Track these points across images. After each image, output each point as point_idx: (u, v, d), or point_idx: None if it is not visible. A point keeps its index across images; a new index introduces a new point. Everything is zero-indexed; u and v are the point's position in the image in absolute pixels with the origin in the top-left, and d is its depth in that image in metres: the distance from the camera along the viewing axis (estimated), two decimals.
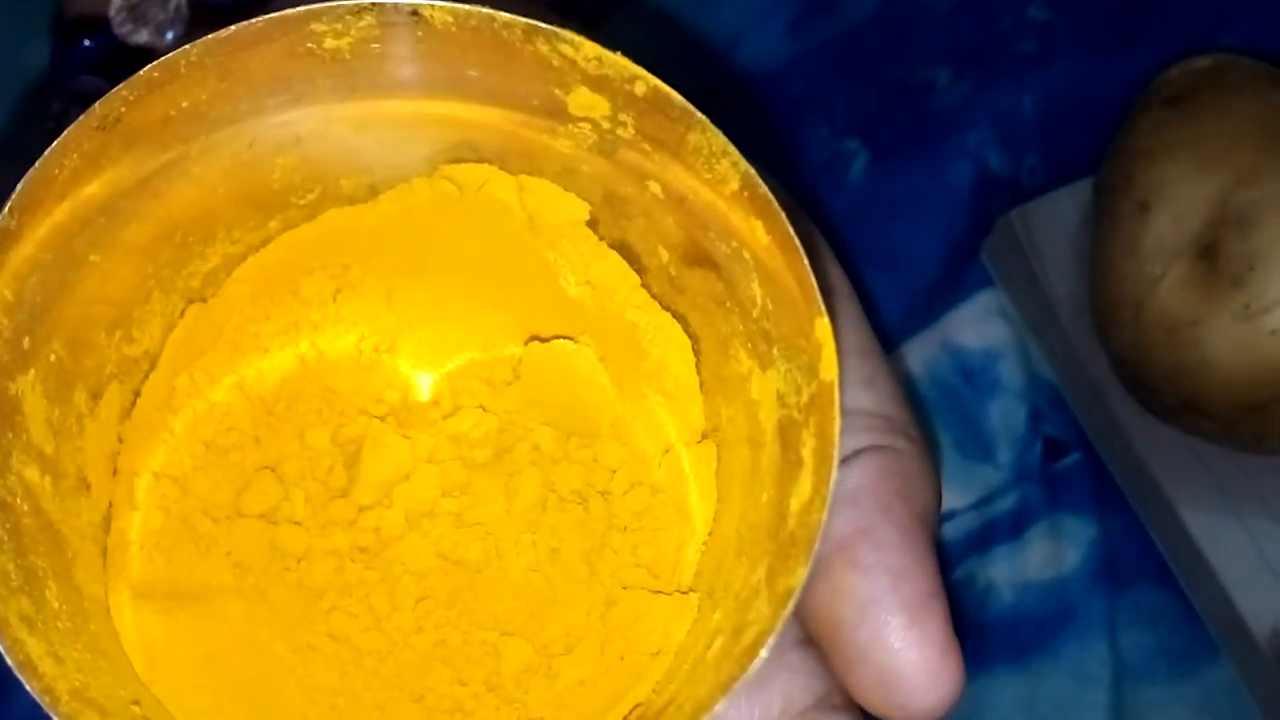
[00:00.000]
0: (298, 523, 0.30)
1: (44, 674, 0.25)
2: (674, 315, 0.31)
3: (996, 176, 0.58)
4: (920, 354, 0.56)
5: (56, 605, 0.26)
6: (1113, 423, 0.53)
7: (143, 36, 0.37)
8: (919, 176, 0.58)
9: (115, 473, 0.30)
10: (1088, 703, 0.52)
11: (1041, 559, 0.54)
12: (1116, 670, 0.52)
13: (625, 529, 0.31)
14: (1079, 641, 0.53)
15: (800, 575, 0.25)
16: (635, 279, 0.31)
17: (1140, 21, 0.60)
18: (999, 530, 0.54)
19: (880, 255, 0.56)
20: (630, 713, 0.29)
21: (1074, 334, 0.54)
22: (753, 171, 0.27)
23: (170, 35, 0.37)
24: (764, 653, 0.25)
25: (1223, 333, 0.47)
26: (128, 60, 0.37)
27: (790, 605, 0.25)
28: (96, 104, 0.26)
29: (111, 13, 0.37)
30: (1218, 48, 0.53)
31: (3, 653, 0.24)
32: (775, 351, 0.28)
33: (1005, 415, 0.56)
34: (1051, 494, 0.55)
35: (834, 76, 0.60)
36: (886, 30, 0.61)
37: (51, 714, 0.24)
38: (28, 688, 0.24)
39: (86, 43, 0.38)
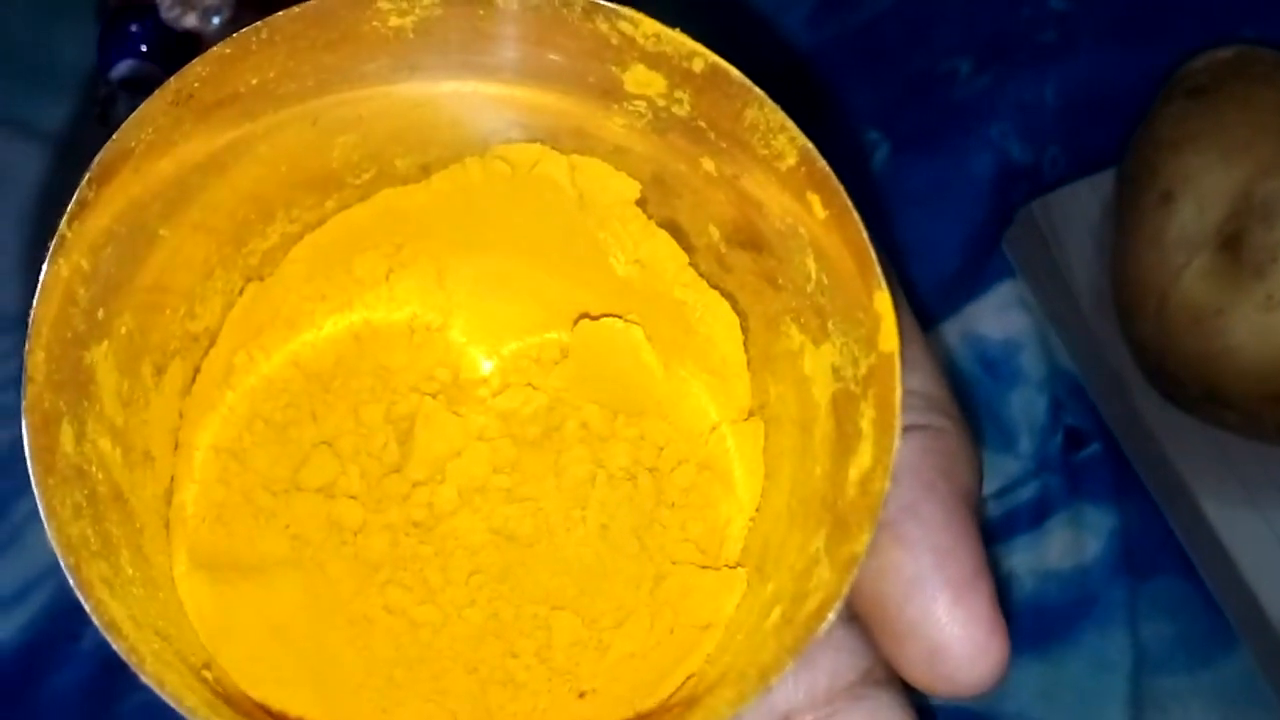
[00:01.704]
0: (354, 497, 0.31)
1: (128, 635, 0.25)
2: (722, 293, 0.31)
3: (1018, 167, 0.59)
4: (942, 344, 0.56)
5: (130, 572, 0.27)
6: (1133, 413, 0.53)
7: (190, 21, 0.37)
8: (940, 167, 0.59)
9: (176, 447, 0.30)
10: (1107, 691, 0.53)
11: (1062, 549, 0.54)
12: (1136, 659, 0.53)
13: (673, 505, 0.31)
14: (1099, 631, 0.53)
15: (864, 541, 0.25)
16: (684, 258, 0.31)
17: (1161, 13, 0.60)
18: (1020, 520, 0.54)
19: (902, 246, 0.57)
20: (683, 684, 0.29)
21: (1095, 324, 0.54)
22: (811, 146, 0.28)
23: (217, 20, 0.37)
24: (831, 616, 0.25)
25: (1246, 323, 0.47)
26: (174, 45, 0.38)
27: (855, 571, 0.25)
28: (172, 79, 0.27)
29: None
30: (1239, 39, 0.53)
31: (89, 614, 0.24)
32: (830, 325, 0.28)
33: (1026, 405, 0.56)
34: (1072, 484, 0.55)
35: (855, 67, 0.60)
36: (907, 21, 0.61)
37: (138, 673, 0.24)
38: (114, 647, 0.24)
39: (133, 28, 0.38)
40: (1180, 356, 0.49)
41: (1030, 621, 0.53)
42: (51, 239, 0.26)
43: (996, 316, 0.57)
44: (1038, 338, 0.57)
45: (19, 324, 0.26)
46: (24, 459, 0.25)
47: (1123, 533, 0.54)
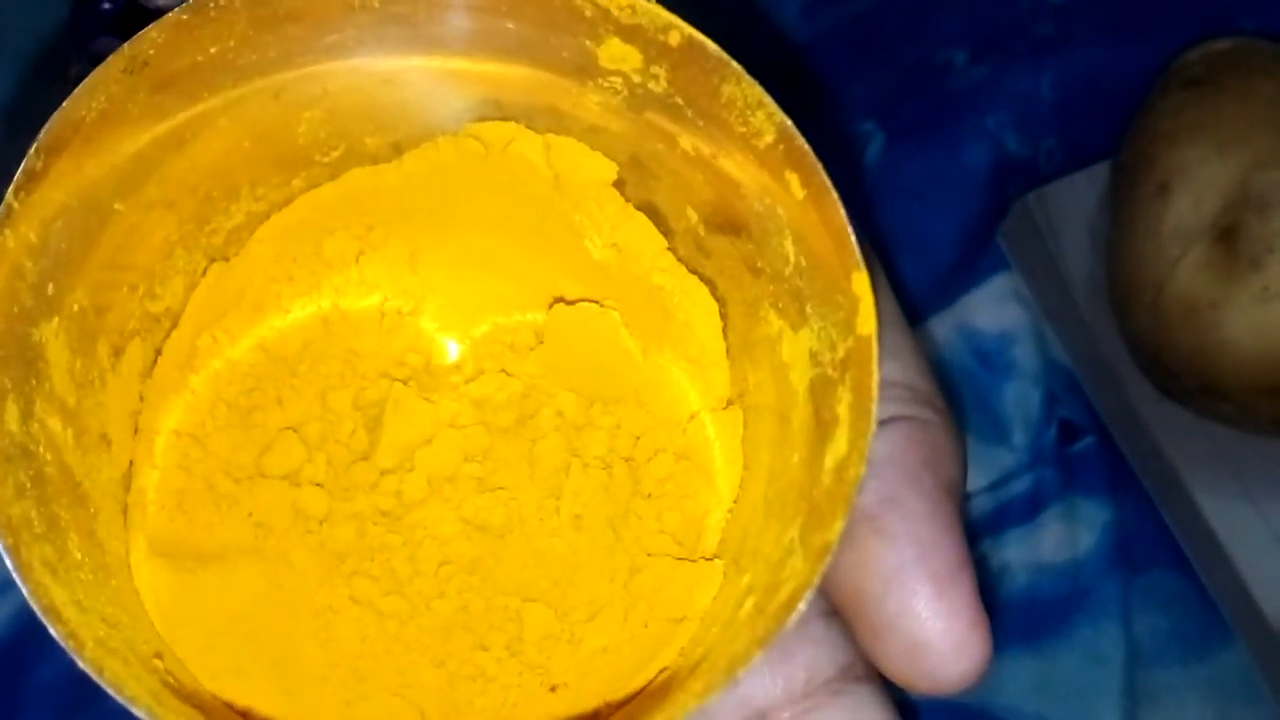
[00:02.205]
0: (320, 485, 0.30)
1: (68, 620, 0.24)
2: (701, 279, 0.31)
3: (1014, 159, 0.58)
4: (936, 336, 0.56)
5: (79, 557, 0.26)
6: (1128, 406, 0.53)
7: None
8: (936, 159, 0.58)
9: (136, 431, 0.29)
10: (1100, 685, 0.52)
11: (1056, 542, 0.54)
12: (1129, 653, 0.52)
13: (649, 495, 0.30)
14: (1092, 624, 0.53)
15: (836, 530, 0.24)
16: (662, 242, 0.31)
17: (1157, 5, 0.60)
18: (1013, 513, 0.54)
19: (896, 238, 0.56)
20: (656, 677, 0.28)
21: (1090, 317, 0.53)
22: (789, 123, 0.27)
23: None
24: (802, 606, 0.24)
25: (1241, 315, 0.47)
26: (147, 23, 0.37)
27: (828, 560, 0.24)
28: (125, 45, 0.26)
29: None
30: (1236, 31, 0.52)
31: (28, 599, 0.24)
32: (808, 309, 0.28)
33: (1020, 398, 0.55)
34: (1066, 477, 0.54)
35: (851, 58, 0.60)
36: (904, 11, 0.60)
37: (76, 659, 0.24)
38: (52, 632, 0.24)
39: (105, 5, 0.37)
40: (1175, 349, 0.49)
41: (1023, 615, 0.53)
42: None
43: (991, 309, 0.56)
44: (1032, 330, 0.56)
45: None
46: None
47: (1117, 526, 0.54)
